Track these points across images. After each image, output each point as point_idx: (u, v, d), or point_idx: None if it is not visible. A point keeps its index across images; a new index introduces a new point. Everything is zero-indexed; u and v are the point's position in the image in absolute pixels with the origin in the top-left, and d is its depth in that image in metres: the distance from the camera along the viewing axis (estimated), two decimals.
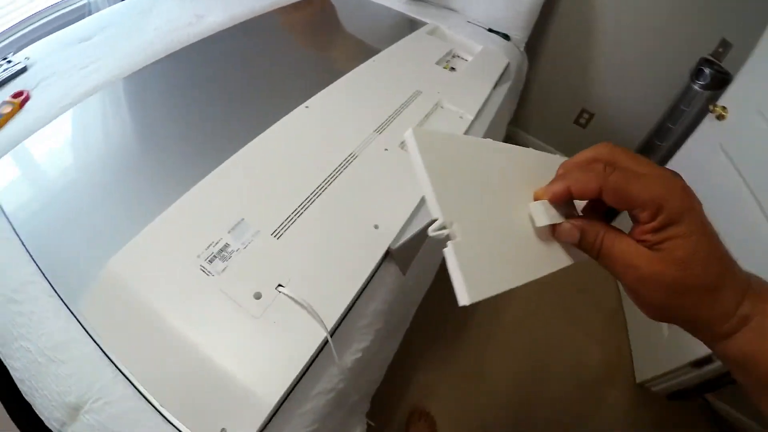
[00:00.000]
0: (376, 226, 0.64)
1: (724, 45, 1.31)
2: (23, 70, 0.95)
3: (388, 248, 0.63)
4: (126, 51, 0.98)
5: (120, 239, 0.59)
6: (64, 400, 0.48)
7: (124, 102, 0.87)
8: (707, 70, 1.30)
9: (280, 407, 0.50)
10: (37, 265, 0.59)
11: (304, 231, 0.61)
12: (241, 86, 0.94)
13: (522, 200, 0.30)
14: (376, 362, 0.71)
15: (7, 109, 0.86)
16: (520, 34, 1.40)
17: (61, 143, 0.78)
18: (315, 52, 1.16)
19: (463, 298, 0.24)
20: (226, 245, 0.58)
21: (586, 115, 1.78)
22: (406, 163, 0.74)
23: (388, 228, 0.65)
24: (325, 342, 0.52)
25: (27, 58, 0.97)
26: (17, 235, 0.62)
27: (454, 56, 1.23)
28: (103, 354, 0.51)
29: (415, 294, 0.88)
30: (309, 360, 0.51)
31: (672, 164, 1.34)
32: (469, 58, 1.21)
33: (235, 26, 1.13)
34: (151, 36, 1.04)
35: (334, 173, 0.70)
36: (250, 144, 0.74)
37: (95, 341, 0.52)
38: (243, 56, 1.04)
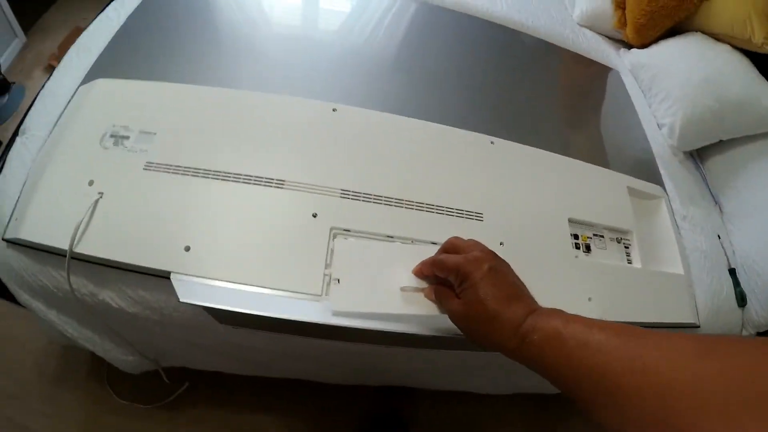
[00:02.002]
0: (187, 248, 0.55)
1: None
2: None
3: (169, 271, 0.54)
4: None
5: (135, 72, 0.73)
6: None
7: None
8: None
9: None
10: None
11: (160, 186, 0.59)
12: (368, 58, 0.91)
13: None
14: (157, 335, 0.72)
15: None
16: (765, 315, 0.84)
17: None
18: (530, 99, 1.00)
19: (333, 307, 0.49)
20: (126, 137, 0.62)
21: None
22: (312, 242, 0.58)
23: (192, 262, 0.54)
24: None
25: None
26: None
27: (620, 240, 0.75)
28: None
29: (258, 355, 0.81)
30: (38, 243, 0.56)
31: None
32: (638, 265, 0.74)
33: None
34: None
35: (250, 178, 0.61)
36: (282, 97, 0.73)
37: None
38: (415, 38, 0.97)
